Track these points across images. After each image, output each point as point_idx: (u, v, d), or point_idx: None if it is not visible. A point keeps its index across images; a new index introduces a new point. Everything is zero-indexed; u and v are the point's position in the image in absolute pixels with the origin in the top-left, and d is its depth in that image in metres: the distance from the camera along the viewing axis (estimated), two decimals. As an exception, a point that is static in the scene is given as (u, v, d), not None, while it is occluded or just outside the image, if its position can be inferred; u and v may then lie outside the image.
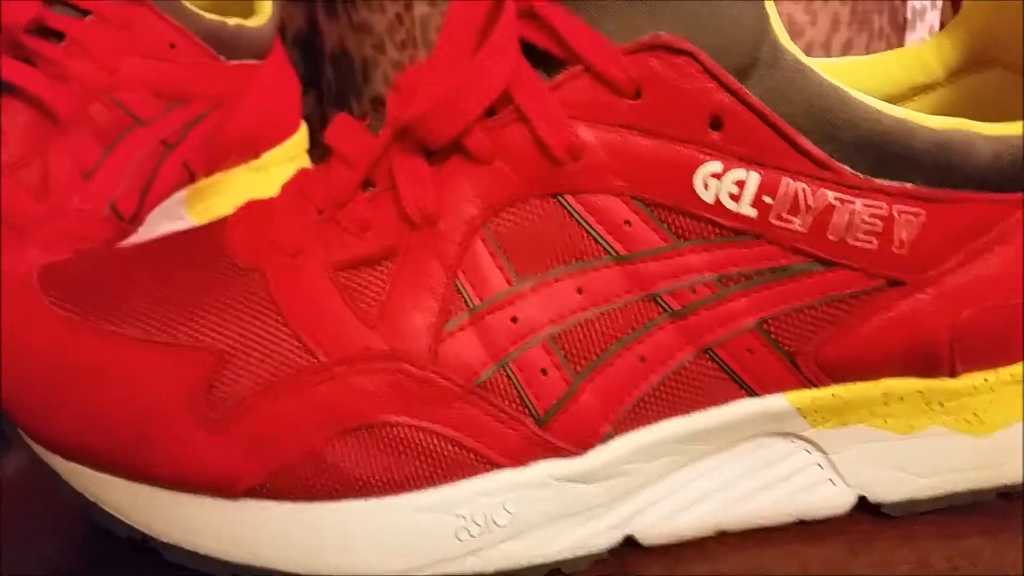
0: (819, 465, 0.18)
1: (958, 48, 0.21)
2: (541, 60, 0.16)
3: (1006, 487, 0.19)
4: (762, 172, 0.16)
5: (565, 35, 0.16)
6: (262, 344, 0.16)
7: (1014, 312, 0.18)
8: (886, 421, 0.18)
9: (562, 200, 0.16)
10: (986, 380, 0.18)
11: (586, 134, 0.16)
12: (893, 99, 0.21)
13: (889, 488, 0.19)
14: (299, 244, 0.17)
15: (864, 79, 0.21)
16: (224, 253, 0.17)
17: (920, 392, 0.18)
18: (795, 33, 0.52)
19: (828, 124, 0.16)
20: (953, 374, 0.18)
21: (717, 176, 0.16)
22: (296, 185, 0.18)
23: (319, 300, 0.16)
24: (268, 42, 0.35)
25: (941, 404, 0.18)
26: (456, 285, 0.16)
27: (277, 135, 0.36)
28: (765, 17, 0.16)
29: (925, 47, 0.21)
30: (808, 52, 0.53)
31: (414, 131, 0.16)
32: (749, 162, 0.16)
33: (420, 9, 0.45)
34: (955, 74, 0.21)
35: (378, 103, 0.47)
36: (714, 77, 0.15)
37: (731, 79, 0.15)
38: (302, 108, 0.46)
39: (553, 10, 0.16)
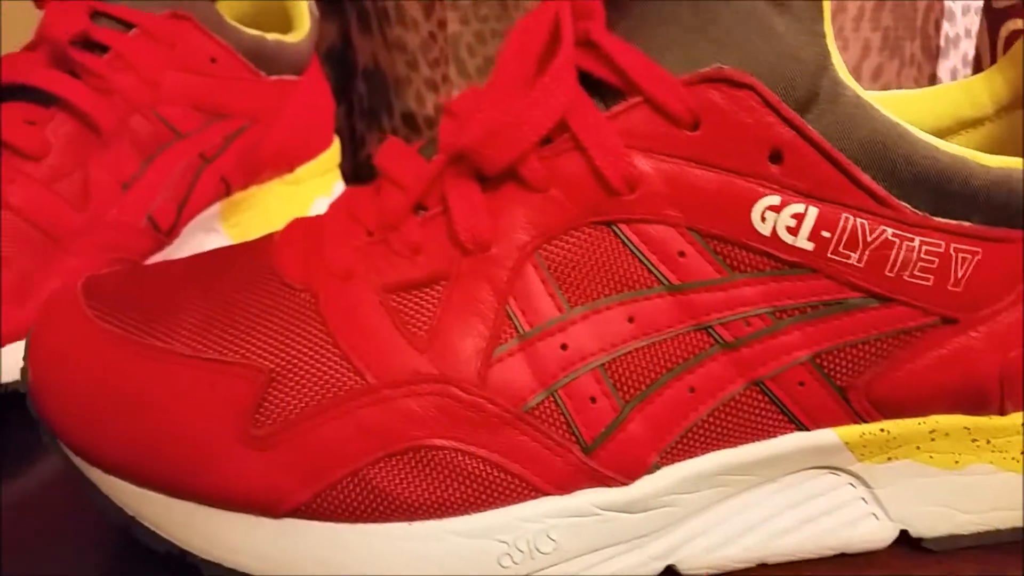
0: (863, 499, 0.18)
1: (1008, 84, 0.21)
2: (598, 89, 0.16)
3: (1049, 527, 0.19)
4: (821, 207, 0.16)
5: (623, 65, 0.16)
6: (311, 364, 0.16)
7: (1065, 352, 0.17)
8: (932, 457, 0.18)
9: (616, 229, 0.16)
10: (1033, 419, 0.18)
11: (643, 164, 0.16)
12: (941, 132, 0.21)
13: (932, 523, 0.18)
14: (350, 266, 0.16)
15: (913, 112, 0.21)
16: (274, 272, 0.17)
17: (967, 429, 0.18)
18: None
19: (887, 160, 0.16)
20: (1003, 412, 0.18)
21: (775, 209, 0.16)
22: (345, 206, 0.18)
23: (369, 322, 0.16)
24: (306, 58, 0.35)
25: (988, 441, 0.18)
26: (507, 311, 0.16)
27: (311, 150, 0.36)
28: (826, 52, 0.16)
29: (975, 82, 0.21)
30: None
31: (470, 157, 0.16)
32: (808, 196, 0.16)
33: (452, 27, 0.45)
34: (1004, 110, 0.21)
35: (409, 119, 0.47)
36: (775, 111, 0.15)
37: (792, 113, 0.15)
38: (334, 121, 0.46)
39: (611, 40, 0.16)
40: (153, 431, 0.16)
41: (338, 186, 0.39)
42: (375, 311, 0.16)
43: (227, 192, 0.32)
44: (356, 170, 0.48)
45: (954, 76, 0.53)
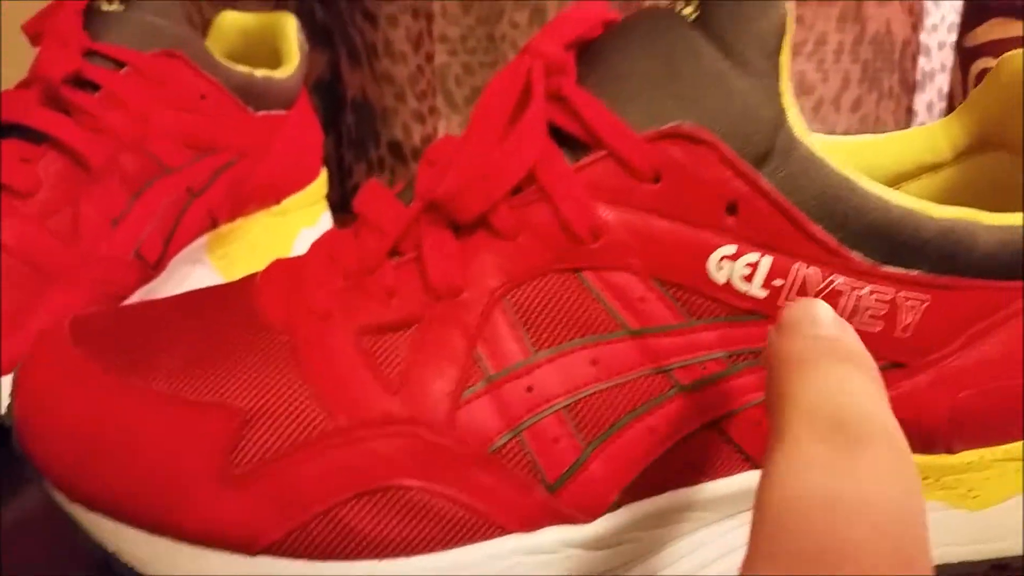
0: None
1: (966, 130, 0.22)
2: (568, 142, 0.17)
3: (1001, 560, 0.20)
4: (774, 256, 0.16)
5: (590, 121, 0.17)
6: (286, 405, 0.16)
7: (1011, 393, 0.18)
8: (886, 495, 0.19)
9: (581, 276, 0.17)
10: (982, 457, 0.19)
11: (607, 215, 0.17)
12: (901, 177, 0.22)
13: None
14: (327, 308, 0.17)
15: (874, 157, 0.22)
16: (254, 313, 0.18)
17: (918, 467, 0.18)
18: (806, 90, 0.53)
19: (839, 212, 0.16)
20: (951, 451, 0.19)
21: (731, 258, 0.17)
22: (325, 247, 0.18)
23: (342, 364, 0.17)
24: (294, 92, 0.36)
25: (938, 480, 0.19)
26: (475, 354, 0.17)
27: (298, 182, 0.36)
28: (782, 109, 0.16)
29: (935, 128, 0.22)
30: (818, 109, 0.54)
31: (444, 206, 0.17)
32: (762, 246, 0.16)
33: (440, 59, 0.46)
34: (962, 155, 0.22)
35: (396, 149, 0.48)
36: (731, 166, 0.16)
37: (747, 168, 0.16)
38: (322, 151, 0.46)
39: (580, 95, 0.17)
40: (134, 469, 0.17)
41: (325, 217, 0.39)
42: (349, 353, 0.17)
43: (214, 225, 0.33)
44: (344, 200, 0.49)
45: (930, 109, 0.55)
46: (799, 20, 0.54)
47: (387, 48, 0.47)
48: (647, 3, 0.46)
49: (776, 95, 0.16)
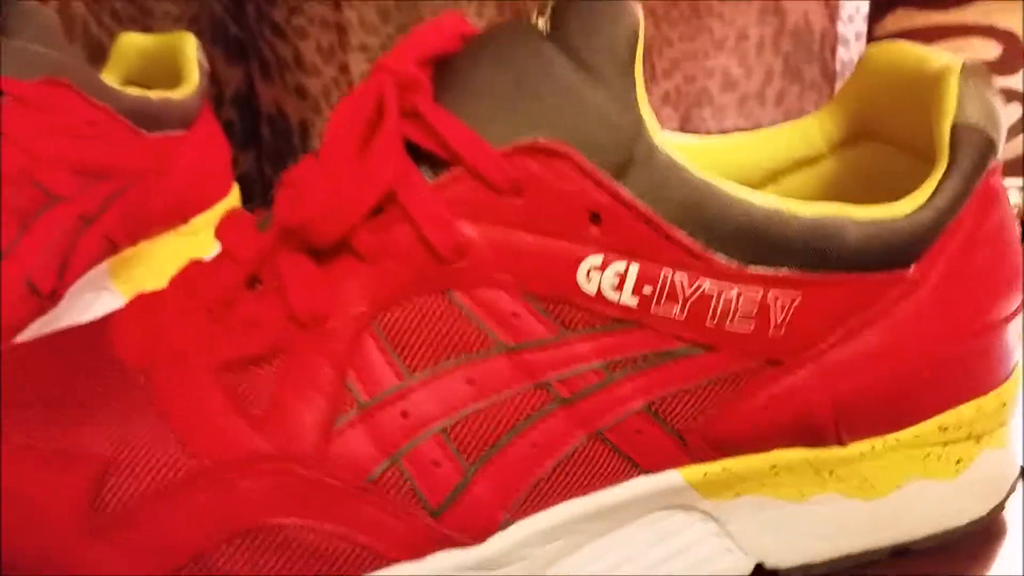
0: (716, 535, 0.19)
1: (839, 123, 0.22)
2: (427, 159, 0.17)
3: (899, 546, 0.20)
4: (641, 263, 0.16)
5: (446, 136, 0.16)
6: (147, 449, 0.16)
7: (894, 383, 0.18)
8: (778, 490, 0.19)
9: (450, 295, 0.16)
10: (873, 447, 0.19)
11: (470, 232, 0.16)
12: (779, 172, 0.22)
13: (786, 554, 0.19)
14: (186, 346, 0.16)
15: (751, 153, 0.22)
16: (112, 354, 0.17)
17: (809, 461, 0.19)
18: (730, 85, 0.54)
19: (703, 217, 0.16)
20: (841, 443, 0.19)
21: (599, 269, 0.16)
22: (185, 281, 0.18)
23: (203, 402, 0.16)
24: (194, 112, 0.35)
25: (831, 472, 0.19)
26: (345, 382, 0.16)
27: (206, 200, 0.35)
28: (639, 119, 0.16)
29: (807, 122, 0.22)
30: (743, 103, 0.55)
31: (300, 232, 0.16)
32: (628, 255, 0.16)
33: (358, 68, 0.45)
34: (836, 148, 0.22)
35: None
36: (590, 177, 0.16)
37: (605, 179, 0.16)
38: (241, 166, 0.45)
39: (435, 112, 0.16)
40: (3, 525, 0.16)
41: (238, 235, 0.38)
42: (210, 390, 0.16)
43: (114, 250, 0.32)
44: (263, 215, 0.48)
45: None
46: (719, 15, 0.55)
47: (298, 61, 0.46)
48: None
49: (632, 104, 0.16)
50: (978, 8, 0.40)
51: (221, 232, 0.18)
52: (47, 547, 0.16)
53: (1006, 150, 0.43)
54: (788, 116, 0.56)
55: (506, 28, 0.18)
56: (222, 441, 0.16)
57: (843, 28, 0.57)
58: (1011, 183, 0.41)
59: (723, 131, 0.55)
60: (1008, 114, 0.41)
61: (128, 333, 0.17)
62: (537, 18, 0.17)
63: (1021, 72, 0.40)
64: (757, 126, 0.56)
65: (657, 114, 0.54)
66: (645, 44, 0.53)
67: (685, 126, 0.54)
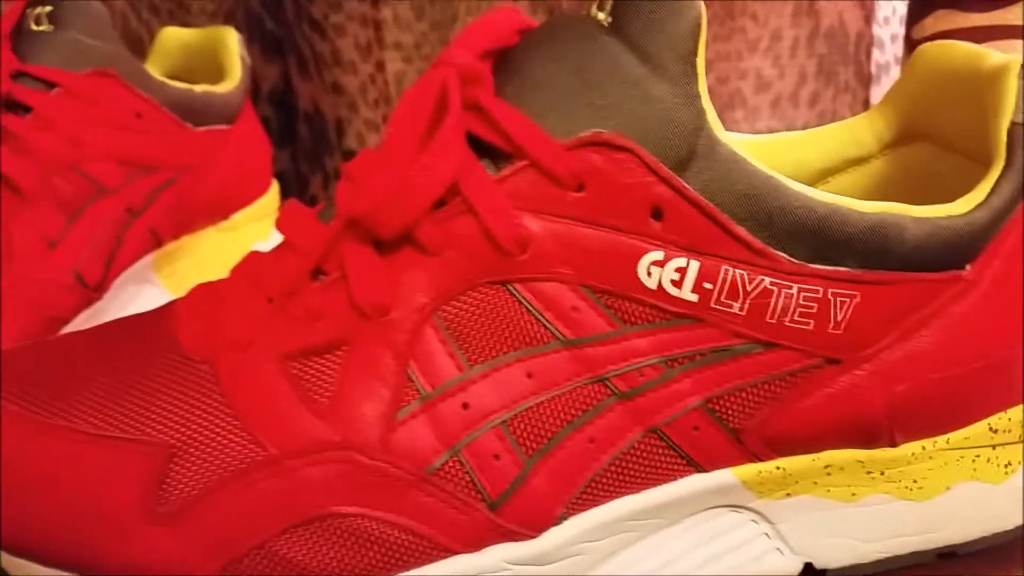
0: (766, 535, 0.19)
1: (889, 123, 0.22)
2: (489, 152, 0.17)
3: (947, 548, 0.20)
4: (702, 260, 0.16)
5: (509, 130, 0.16)
6: (212, 437, 0.16)
7: (947, 384, 0.18)
8: (829, 491, 0.19)
9: (511, 288, 0.17)
10: (924, 448, 0.19)
11: (533, 225, 0.16)
12: (828, 172, 0.22)
13: (834, 554, 0.19)
14: (249, 335, 0.17)
15: (800, 153, 0.22)
16: (174, 343, 0.17)
17: (861, 462, 0.18)
18: (763, 87, 0.53)
19: (763, 212, 0.16)
20: (893, 444, 0.19)
21: (659, 264, 0.16)
22: (246, 271, 0.18)
23: (269, 392, 0.16)
24: (237, 107, 0.35)
25: (882, 473, 0.19)
26: (408, 373, 0.16)
27: (247, 196, 0.36)
28: (701, 113, 0.16)
29: (857, 122, 0.22)
30: (776, 105, 0.54)
31: (364, 224, 0.16)
32: (689, 250, 0.16)
33: (394, 66, 0.46)
34: (886, 148, 0.22)
35: (350, 158, 0.48)
36: (653, 171, 0.16)
37: (669, 173, 0.16)
38: (277, 163, 0.46)
39: (498, 105, 0.17)
40: (60, 511, 0.16)
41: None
42: (275, 380, 0.16)
43: (158, 244, 0.32)
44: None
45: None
46: (753, 16, 0.54)
47: (336, 58, 0.46)
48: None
49: (695, 98, 0.16)
50: (1021, 9, 0.40)
51: (283, 224, 0.18)
52: (109, 534, 0.16)
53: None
54: (822, 118, 0.55)
55: (566, 21, 0.18)
56: (287, 430, 0.16)
57: (879, 30, 0.57)
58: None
59: (756, 133, 0.55)
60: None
61: (191, 323, 0.17)
62: (597, 11, 0.18)
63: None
64: (791, 128, 0.55)
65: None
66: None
67: (717, 128, 0.54)
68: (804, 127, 0.56)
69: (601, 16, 0.17)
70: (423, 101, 0.17)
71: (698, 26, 0.17)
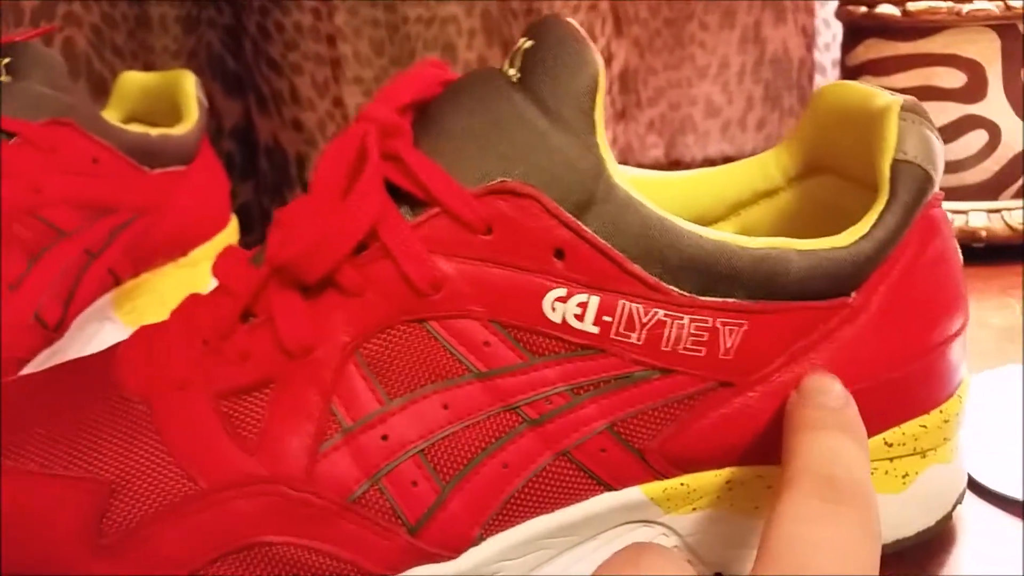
0: (677, 547, 0.20)
1: (794, 157, 0.24)
2: (406, 200, 0.18)
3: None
4: (601, 295, 0.18)
5: (423, 179, 0.18)
6: (148, 473, 0.17)
7: (839, 401, 0.20)
8: (732, 504, 0.20)
9: (427, 326, 0.18)
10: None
11: (446, 267, 0.18)
12: (740, 205, 0.24)
13: (742, 564, 0.20)
14: (186, 375, 0.18)
15: (715, 187, 0.24)
16: (117, 384, 0.18)
17: (761, 476, 0.20)
18: (713, 112, 0.56)
19: (656, 250, 0.18)
20: (792, 459, 0.20)
21: (563, 300, 0.18)
22: (184, 314, 0.19)
23: (201, 430, 0.17)
24: (194, 147, 0.36)
25: (785, 486, 0.20)
26: (331, 408, 0.18)
27: (205, 233, 0.37)
28: (600, 160, 0.18)
29: (766, 157, 0.24)
30: (726, 130, 0.57)
31: (290, 269, 0.18)
32: (589, 287, 0.18)
33: (353, 100, 0.47)
34: (793, 180, 0.24)
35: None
36: (555, 216, 0.18)
37: (569, 217, 0.18)
38: (240, 196, 0.47)
39: (414, 156, 0.18)
40: (8, 548, 0.17)
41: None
42: (207, 418, 0.17)
43: (117, 282, 0.33)
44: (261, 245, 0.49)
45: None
46: (701, 44, 0.57)
47: (294, 96, 0.48)
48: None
49: (593, 147, 0.18)
50: (943, 39, 0.42)
51: (218, 268, 0.19)
52: (55, 567, 0.17)
53: (973, 174, 0.44)
54: (769, 142, 0.57)
55: (479, 76, 0.19)
56: (218, 465, 0.17)
57: (820, 56, 0.60)
58: (977, 206, 0.43)
59: (707, 157, 0.57)
60: (973, 141, 0.43)
61: (131, 364, 0.19)
62: (508, 67, 0.19)
63: (984, 100, 0.42)
64: (740, 152, 0.57)
65: (642, 141, 0.56)
66: (630, 73, 0.55)
67: (670, 152, 0.56)
68: (752, 151, 0.58)
69: (512, 72, 0.19)
70: (344, 153, 0.18)
71: (596, 79, 0.18)
